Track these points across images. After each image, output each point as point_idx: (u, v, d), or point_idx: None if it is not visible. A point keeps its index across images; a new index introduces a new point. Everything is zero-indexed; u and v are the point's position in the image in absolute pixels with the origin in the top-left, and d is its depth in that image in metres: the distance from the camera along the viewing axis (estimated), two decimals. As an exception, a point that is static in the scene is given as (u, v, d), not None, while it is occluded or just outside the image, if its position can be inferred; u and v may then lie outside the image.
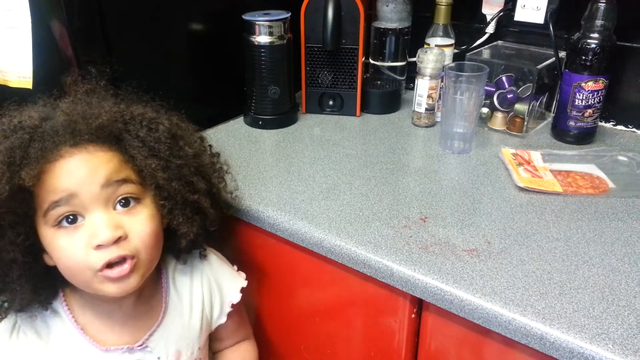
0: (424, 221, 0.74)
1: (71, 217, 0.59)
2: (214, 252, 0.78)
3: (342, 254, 0.70)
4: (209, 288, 0.75)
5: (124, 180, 0.60)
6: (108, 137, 0.60)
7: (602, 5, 0.86)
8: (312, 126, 1.07)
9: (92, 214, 0.59)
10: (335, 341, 0.82)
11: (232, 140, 1.01)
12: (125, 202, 0.61)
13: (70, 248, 0.58)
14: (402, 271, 0.64)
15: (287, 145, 0.99)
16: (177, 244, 0.68)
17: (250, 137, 1.02)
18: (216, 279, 0.76)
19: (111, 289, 0.61)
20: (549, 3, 0.99)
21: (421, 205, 0.78)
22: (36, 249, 0.60)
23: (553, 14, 0.98)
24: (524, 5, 1.02)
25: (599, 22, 0.87)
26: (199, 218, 0.67)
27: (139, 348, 0.68)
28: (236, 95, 1.08)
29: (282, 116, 1.06)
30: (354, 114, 1.11)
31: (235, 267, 0.80)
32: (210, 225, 0.70)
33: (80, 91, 0.66)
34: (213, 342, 0.82)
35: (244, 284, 0.79)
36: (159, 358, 0.69)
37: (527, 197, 0.80)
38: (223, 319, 0.77)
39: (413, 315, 0.70)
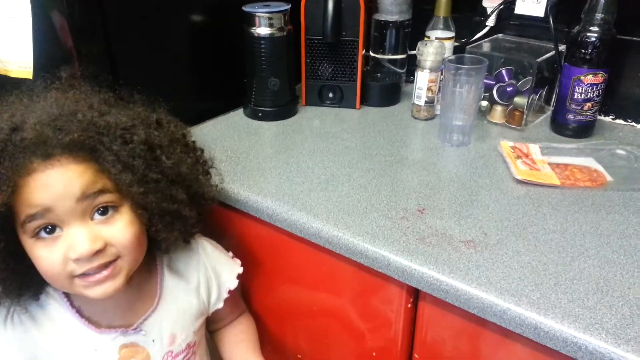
0: (422, 213, 0.74)
1: (49, 227, 0.58)
2: (208, 240, 0.79)
3: (339, 244, 0.70)
4: (206, 275, 0.76)
5: (100, 192, 0.59)
6: (81, 149, 0.58)
7: (602, -1, 0.86)
8: (311, 118, 1.07)
9: (70, 227, 0.58)
10: (332, 330, 0.83)
11: (232, 132, 1.01)
12: (104, 211, 0.60)
13: (49, 259, 0.59)
14: (399, 261, 0.65)
15: (287, 137, 0.99)
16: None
17: (249, 129, 1.02)
18: (213, 266, 0.76)
19: (94, 292, 0.61)
20: (549, -4, 0.99)
21: (419, 197, 0.78)
22: (20, 252, 0.60)
23: (553, 7, 0.98)
24: (524, -2, 1.02)
25: (599, 16, 0.87)
26: (179, 223, 0.66)
27: (133, 331, 0.69)
28: (236, 87, 1.08)
29: (281, 108, 1.06)
30: (354, 107, 1.11)
31: (231, 254, 0.81)
32: (192, 227, 0.70)
33: (62, 87, 0.65)
34: (210, 323, 0.84)
35: (240, 270, 0.80)
36: (153, 341, 0.70)
37: (525, 189, 0.80)
38: (220, 305, 0.78)
39: (409, 305, 0.71)
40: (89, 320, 0.67)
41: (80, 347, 0.67)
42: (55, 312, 0.67)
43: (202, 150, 0.73)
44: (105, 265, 0.60)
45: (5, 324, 0.66)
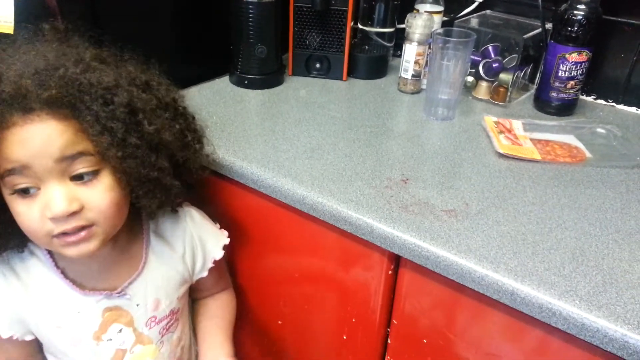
0: (405, 182, 0.75)
1: (27, 187, 0.57)
2: (196, 209, 0.78)
3: (323, 210, 0.71)
4: (192, 243, 0.76)
5: (80, 154, 0.57)
6: (62, 106, 0.56)
7: (590, -23, 0.87)
8: (298, 88, 1.07)
9: (47, 185, 0.57)
10: (313, 297, 0.84)
11: (217, 99, 1.00)
12: (82, 176, 0.59)
13: (27, 215, 0.58)
14: (382, 228, 0.66)
15: (273, 105, 0.99)
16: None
17: (235, 96, 1.02)
18: (199, 236, 0.76)
19: (70, 252, 0.61)
20: (539, -27, 0.99)
21: (403, 167, 0.79)
22: (2, 203, 0.59)
23: (542, -16, 0.99)
24: (514, -25, 1.02)
25: (586, -6, 0.88)
26: (160, 192, 0.64)
27: (117, 295, 0.69)
28: (222, 54, 1.06)
29: (268, 76, 1.05)
30: (341, 78, 1.11)
31: (218, 225, 0.81)
32: (176, 197, 0.69)
33: (48, 40, 0.62)
34: (194, 292, 0.84)
35: (226, 241, 0.80)
36: (137, 305, 0.71)
37: (507, 163, 0.81)
38: (204, 274, 0.78)
39: (390, 272, 0.72)
40: (74, 281, 0.67)
41: (63, 308, 0.67)
42: (39, 272, 0.67)
43: (194, 117, 0.71)
44: (82, 228, 0.60)
45: None
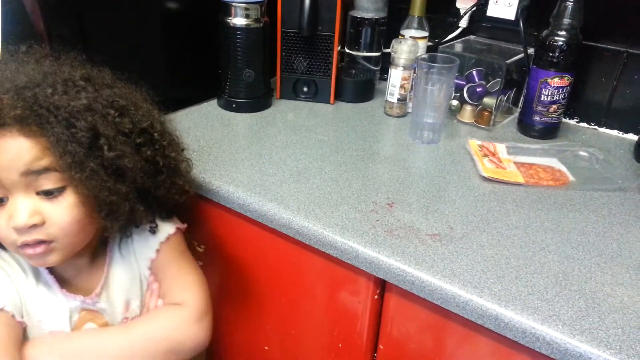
0: (391, 206, 0.75)
1: None
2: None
3: (309, 235, 0.71)
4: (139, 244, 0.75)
5: (45, 169, 0.60)
6: (30, 123, 0.58)
7: (569, 4, 0.89)
8: (285, 111, 1.08)
9: (14, 197, 0.61)
10: (300, 321, 0.84)
11: (205, 122, 1.01)
12: (46, 192, 0.61)
13: None
14: (367, 253, 0.66)
15: (260, 129, 0.99)
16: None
17: (223, 120, 1.02)
18: (142, 238, 0.75)
19: (33, 262, 0.66)
20: (520, 0, 1.01)
21: (389, 191, 0.79)
22: None
23: (524, 10, 1.01)
24: (497, 1, 1.04)
25: (566, 21, 0.90)
26: (120, 215, 0.65)
27: (90, 300, 0.71)
28: (210, 78, 1.07)
29: (256, 100, 1.06)
30: (328, 102, 1.12)
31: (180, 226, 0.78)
32: (141, 220, 0.70)
33: (32, 58, 0.65)
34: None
35: (161, 238, 0.75)
36: (107, 308, 0.72)
37: (491, 186, 0.82)
38: (146, 273, 0.75)
39: (376, 297, 0.72)
40: (59, 281, 0.70)
41: (45, 304, 0.69)
42: (25, 269, 0.69)
43: (171, 143, 0.71)
44: (42, 242, 0.62)
45: None
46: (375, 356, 0.77)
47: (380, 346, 0.75)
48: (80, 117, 0.60)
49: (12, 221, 0.60)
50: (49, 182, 0.61)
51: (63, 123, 0.59)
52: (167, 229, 0.76)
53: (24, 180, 0.59)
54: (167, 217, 0.77)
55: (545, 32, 0.93)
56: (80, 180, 0.60)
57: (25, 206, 0.60)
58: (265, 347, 0.92)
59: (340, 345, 0.80)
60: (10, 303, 0.66)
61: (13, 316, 0.65)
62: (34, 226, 0.60)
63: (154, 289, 0.75)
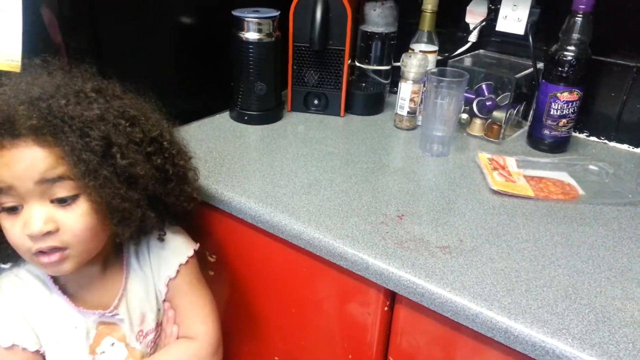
0: (401, 218, 0.76)
1: (14, 206, 0.62)
2: (179, 233, 0.79)
3: (320, 246, 0.72)
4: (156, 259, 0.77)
5: (59, 178, 0.61)
6: (45, 134, 0.60)
7: (578, 20, 0.90)
8: (296, 124, 1.09)
9: (29, 205, 0.62)
10: (310, 332, 0.84)
11: (217, 134, 1.02)
12: (60, 200, 0.63)
13: (11, 230, 0.63)
14: (377, 264, 0.67)
15: (272, 141, 1.01)
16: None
17: (235, 132, 1.04)
18: (159, 254, 0.76)
19: (47, 270, 0.67)
20: (530, 15, 1.02)
21: (399, 203, 0.80)
22: None
23: (533, 25, 1.02)
24: (506, 16, 1.05)
25: (575, 36, 0.91)
26: (132, 222, 0.67)
27: (109, 314, 0.71)
28: (222, 90, 1.09)
29: (267, 112, 1.08)
30: (338, 114, 1.13)
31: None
32: (151, 227, 0.72)
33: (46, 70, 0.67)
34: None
35: (182, 260, 0.77)
36: (124, 320, 0.73)
37: (500, 200, 0.83)
38: (163, 289, 0.77)
39: (386, 309, 0.72)
40: (72, 297, 0.70)
41: (61, 324, 0.69)
42: (39, 288, 0.69)
43: (180, 152, 0.73)
44: (56, 249, 0.63)
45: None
46: (384, 368, 0.77)
47: (390, 358, 0.75)
48: (93, 127, 0.62)
49: (27, 229, 0.61)
50: (63, 190, 0.62)
51: (77, 132, 0.61)
52: (186, 251, 0.78)
53: (38, 189, 0.61)
54: (177, 224, 0.78)
55: (554, 47, 0.94)
56: (94, 188, 0.62)
57: (39, 214, 0.62)
58: (275, 358, 0.92)
59: (350, 357, 0.80)
60: (20, 336, 0.66)
61: (25, 349, 0.66)
62: (49, 233, 0.62)
63: (169, 317, 0.78)
